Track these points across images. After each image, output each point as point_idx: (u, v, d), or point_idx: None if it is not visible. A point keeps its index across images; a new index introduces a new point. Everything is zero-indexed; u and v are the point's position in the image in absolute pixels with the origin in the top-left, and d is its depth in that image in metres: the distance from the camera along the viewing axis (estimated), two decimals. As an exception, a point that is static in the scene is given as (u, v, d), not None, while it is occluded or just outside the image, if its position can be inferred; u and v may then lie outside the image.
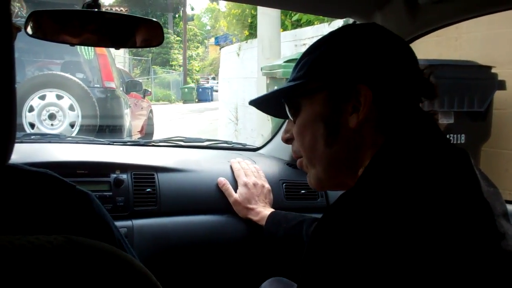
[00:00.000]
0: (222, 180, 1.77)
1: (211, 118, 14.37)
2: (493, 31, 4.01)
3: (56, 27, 1.31)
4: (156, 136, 7.65)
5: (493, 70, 3.68)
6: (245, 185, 1.73)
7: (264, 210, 1.67)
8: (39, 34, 1.29)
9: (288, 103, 1.00)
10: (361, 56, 0.89)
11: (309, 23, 6.88)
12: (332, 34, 0.96)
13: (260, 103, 1.13)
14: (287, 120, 1.07)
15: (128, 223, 1.63)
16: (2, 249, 0.44)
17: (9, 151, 0.52)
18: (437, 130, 0.89)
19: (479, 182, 0.81)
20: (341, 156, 0.92)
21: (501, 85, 3.68)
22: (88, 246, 0.50)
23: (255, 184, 1.73)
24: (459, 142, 3.59)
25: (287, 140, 1.08)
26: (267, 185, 1.78)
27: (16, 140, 1.71)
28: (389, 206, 0.72)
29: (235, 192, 1.74)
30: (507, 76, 3.73)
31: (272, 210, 1.68)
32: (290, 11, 7.49)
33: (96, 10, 1.29)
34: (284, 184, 1.91)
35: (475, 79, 3.62)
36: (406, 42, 0.95)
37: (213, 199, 1.77)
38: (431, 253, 0.69)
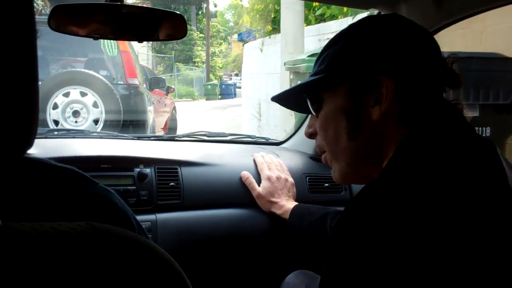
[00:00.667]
0: (246, 173, 1.76)
1: (234, 115, 14.39)
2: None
3: (79, 21, 1.31)
4: (179, 133, 7.69)
5: (521, 62, 3.61)
6: (268, 179, 1.72)
7: (287, 204, 1.66)
8: (62, 28, 1.30)
9: (310, 97, 0.99)
10: (382, 47, 0.88)
11: (333, 17, 6.83)
12: (351, 26, 0.95)
13: (282, 99, 1.12)
14: (310, 115, 1.05)
15: (151, 217, 1.63)
16: (25, 235, 0.44)
17: (30, 140, 0.52)
18: (462, 120, 0.87)
19: (505, 173, 0.78)
20: (364, 149, 0.91)
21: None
22: (111, 233, 0.50)
23: (278, 178, 1.73)
24: (484, 135, 3.53)
25: (310, 135, 1.07)
26: (290, 179, 1.77)
27: (41, 136, 1.73)
28: (413, 198, 0.71)
29: (259, 186, 1.73)
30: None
31: (296, 203, 1.67)
32: (314, 5, 7.45)
33: (119, 3, 1.29)
34: (307, 178, 1.90)
35: (501, 72, 3.56)
36: (427, 32, 0.92)
37: (237, 192, 1.77)
38: (456, 246, 0.67)
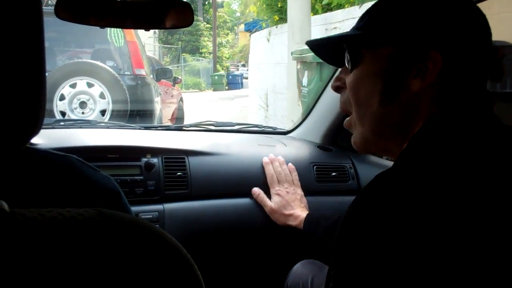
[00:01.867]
0: (256, 190, 1.74)
1: (242, 105, 14.39)
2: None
3: (85, 10, 1.31)
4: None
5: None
6: (278, 194, 1.71)
7: (302, 214, 1.64)
8: (68, 17, 1.30)
9: (349, 51, 0.92)
10: (440, 20, 0.83)
11: (340, 6, 6.78)
12: None
13: (317, 45, 1.04)
14: (340, 69, 1.00)
15: (159, 207, 1.63)
16: (33, 221, 0.44)
17: (37, 127, 0.52)
18: (492, 113, 0.83)
19: None
20: (392, 120, 0.87)
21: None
22: (119, 219, 0.50)
23: (288, 192, 1.72)
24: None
25: (336, 88, 1.01)
26: (299, 191, 1.75)
27: (48, 126, 1.74)
28: (426, 191, 0.69)
29: (269, 196, 1.74)
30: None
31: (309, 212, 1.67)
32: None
33: (125, -8, 1.28)
34: (315, 167, 1.90)
35: (509, 60, 3.53)
36: (484, 15, 0.86)
37: (244, 182, 1.77)
38: (472, 237, 0.65)
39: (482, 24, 0.85)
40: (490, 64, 0.86)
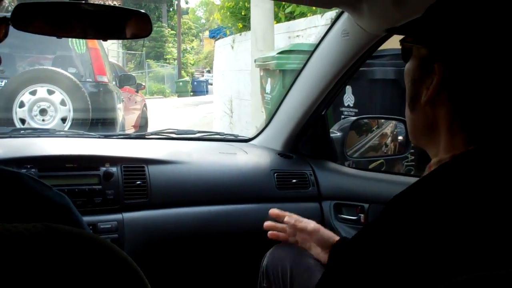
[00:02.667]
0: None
1: (206, 111, 14.33)
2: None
3: (43, 20, 1.30)
4: (150, 130, 7.64)
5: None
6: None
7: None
8: (25, 27, 1.28)
9: (403, 44, 0.92)
10: (456, 31, 0.78)
11: (302, 14, 6.85)
12: None
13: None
14: None
15: (118, 216, 1.63)
16: None
17: None
18: None
19: None
20: (418, 125, 0.89)
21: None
22: (67, 233, 0.49)
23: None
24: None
25: None
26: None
27: (5, 135, 1.71)
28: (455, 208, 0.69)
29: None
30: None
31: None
32: (283, 3, 7.47)
33: (83, 1, 1.28)
34: (275, 174, 1.92)
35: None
36: None
37: (204, 190, 1.77)
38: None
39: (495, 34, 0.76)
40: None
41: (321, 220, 1.85)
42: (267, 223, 1.53)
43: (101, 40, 5.98)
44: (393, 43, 1.70)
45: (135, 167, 1.72)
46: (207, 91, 25.73)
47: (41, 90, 5.35)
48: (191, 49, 35.92)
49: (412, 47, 0.88)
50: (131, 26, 1.39)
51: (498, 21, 0.75)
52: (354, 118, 2.39)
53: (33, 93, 5.34)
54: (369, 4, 1.49)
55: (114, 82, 6.65)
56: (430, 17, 0.83)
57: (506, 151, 0.75)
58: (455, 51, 0.77)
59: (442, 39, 0.79)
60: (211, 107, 12.61)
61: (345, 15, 1.70)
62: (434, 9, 0.83)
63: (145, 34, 1.43)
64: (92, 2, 1.30)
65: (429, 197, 0.73)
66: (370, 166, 3.11)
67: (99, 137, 2.05)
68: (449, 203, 0.70)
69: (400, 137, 2.72)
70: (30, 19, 1.29)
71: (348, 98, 3.94)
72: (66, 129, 4.96)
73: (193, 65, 34.82)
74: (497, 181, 0.71)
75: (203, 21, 42.41)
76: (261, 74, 5.26)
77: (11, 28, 1.18)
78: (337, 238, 1.44)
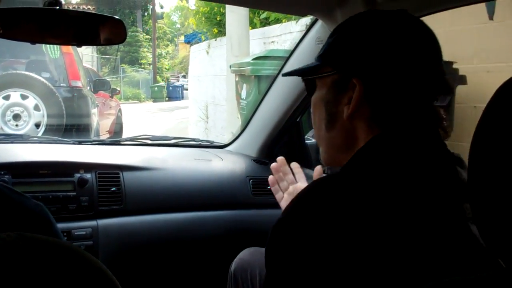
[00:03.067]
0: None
1: (182, 117, 14.28)
2: (454, 28, 4.09)
3: (16, 25, 1.29)
4: (125, 136, 7.57)
5: (454, 66, 3.75)
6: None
7: None
8: (-2, 32, 1.27)
9: (305, 81, 1.02)
10: (364, 48, 0.87)
11: (277, 21, 6.88)
12: (352, 18, 0.95)
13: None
14: None
15: (93, 223, 1.62)
16: None
17: None
18: (435, 132, 0.88)
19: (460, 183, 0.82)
20: (337, 142, 0.94)
21: (462, 80, 3.77)
22: (41, 241, 0.50)
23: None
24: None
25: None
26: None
27: (-22, 142, 1.67)
28: (358, 198, 0.74)
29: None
30: (468, 71, 3.83)
31: None
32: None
33: (57, 7, 1.27)
34: (251, 181, 1.92)
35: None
36: (432, 35, 0.90)
37: (179, 197, 1.77)
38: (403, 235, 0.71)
39: (427, 45, 0.88)
40: (432, 82, 0.87)
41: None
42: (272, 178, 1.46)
43: (75, 45, 5.93)
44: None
45: (109, 174, 1.71)
46: (182, 96, 25.63)
47: (15, 95, 5.29)
48: (166, 54, 35.75)
49: (315, 80, 0.97)
50: (105, 32, 1.39)
51: (393, 37, 0.86)
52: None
53: (7, 98, 5.27)
54: (342, 12, 1.51)
55: (88, 87, 6.60)
56: (335, 48, 0.92)
57: (405, 139, 0.84)
58: (370, 66, 0.86)
59: (355, 60, 0.88)
60: (187, 112, 12.56)
61: (319, 22, 1.72)
62: (337, 40, 0.92)
63: (120, 41, 1.43)
64: (65, 8, 1.30)
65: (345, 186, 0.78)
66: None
67: (73, 143, 2.04)
68: (360, 189, 0.76)
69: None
70: (2, 25, 1.28)
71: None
72: (39, 134, 4.91)
73: (168, 70, 34.65)
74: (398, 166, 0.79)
75: (178, 26, 42.25)
76: (237, 79, 5.26)
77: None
78: None
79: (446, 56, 0.91)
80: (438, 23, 4.32)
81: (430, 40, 0.89)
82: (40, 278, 0.46)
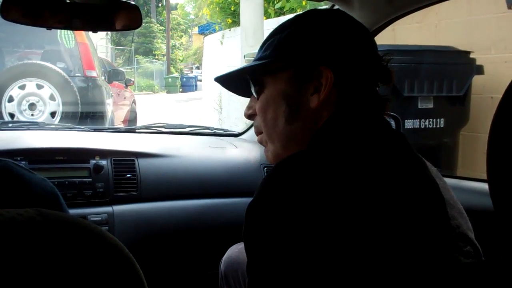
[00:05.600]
0: None
1: (195, 108, 14.32)
2: (471, 17, 4.04)
3: (32, 10, 1.29)
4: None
5: (471, 55, 3.72)
6: None
7: None
8: (14, 18, 1.28)
9: (253, 80, 1.01)
10: (325, 39, 0.92)
11: (292, 10, 6.86)
12: (298, 16, 0.98)
13: (225, 80, 1.12)
14: (250, 98, 1.07)
15: (108, 209, 1.63)
16: None
17: None
18: (379, 114, 0.93)
19: (418, 159, 0.87)
20: (299, 133, 0.94)
21: (479, 70, 3.72)
22: (59, 218, 0.50)
23: None
24: (438, 126, 3.62)
25: (249, 116, 1.08)
26: None
27: (-6, 128, 1.68)
28: (323, 177, 0.75)
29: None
30: (485, 61, 3.78)
31: None
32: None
33: (73, -7, 1.27)
34: (265, 169, 1.92)
35: (454, 64, 3.66)
36: (366, 29, 0.98)
37: (194, 184, 1.78)
38: (367, 217, 0.72)
39: (365, 37, 0.96)
40: (377, 71, 0.95)
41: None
42: None
43: (90, 35, 5.95)
44: (384, 39, 1.71)
45: (125, 160, 1.72)
46: (196, 87, 25.68)
47: (30, 85, 5.32)
48: (180, 45, 35.81)
49: (262, 78, 0.98)
50: (121, 18, 1.39)
51: (345, 29, 0.94)
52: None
53: (22, 87, 5.31)
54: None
55: (103, 77, 6.62)
56: (293, 41, 0.95)
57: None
58: (335, 54, 0.91)
59: (320, 49, 0.92)
60: (200, 103, 12.59)
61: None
62: (292, 35, 0.95)
63: (136, 26, 1.43)
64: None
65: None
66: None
67: (89, 131, 2.05)
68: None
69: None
70: (19, 10, 1.29)
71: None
72: (55, 123, 4.94)
73: (182, 61, 34.72)
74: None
75: (192, 16, 42.23)
76: (251, 69, 5.24)
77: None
78: None
79: (463, 46, 0.92)
80: (456, 12, 4.30)
81: (367, 32, 0.98)
82: (58, 254, 0.46)
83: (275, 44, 0.96)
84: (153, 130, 2.21)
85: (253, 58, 1.04)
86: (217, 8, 9.57)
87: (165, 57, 29.94)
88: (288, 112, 0.94)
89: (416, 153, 0.88)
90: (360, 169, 0.77)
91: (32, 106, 5.33)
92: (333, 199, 0.72)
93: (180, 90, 25.98)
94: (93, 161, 1.67)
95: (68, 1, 1.28)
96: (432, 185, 0.84)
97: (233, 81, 1.12)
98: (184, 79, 27.42)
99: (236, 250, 1.56)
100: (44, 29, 1.37)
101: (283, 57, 0.95)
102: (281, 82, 0.95)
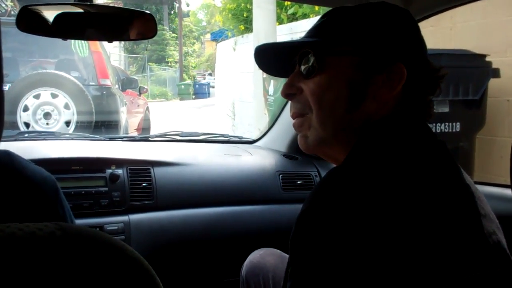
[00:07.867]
0: None
1: (209, 114, 14.36)
2: (487, 20, 4.01)
3: (48, 22, 1.30)
4: (153, 133, 7.62)
5: (487, 59, 3.68)
6: None
7: None
8: (30, 29, 1.28)
9: (316, 56, 0.92)
10: (403, 35, 0.90)
11: (305, 16, 6.87)
12: (366, 4, 0.93)
13: (266, 52, 1.05)
14: (291, 76, 0.98)
15: (124, 218, 1.63)
16: None
17: None
18: (427, 124, 0.91)
19: (458, 169, 0.85)
20: (355, 124, 0.89)
21: (495, 73, 3.68)
22: (79, 233, 0.49)
23: None
24: (454, 130, 3.59)
25: (287, 95, 0.99)
26: None
27: (10, 139, 1.71)
28: (376, 188, 0.73)
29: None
30: (501, 64, 3.74)
31: None
32: (286, 4, 7.48)
33: (88, 3, 1.28)
34: (280, 176, 1.91)
35: (470, 68, 3.62)
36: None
37: (210, 192, 1.77)
38: (416, 232, 0.70)
39: (423, 41, 0.94)
40: (431, 79, 0.93)
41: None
42: None
43: (103, 44, 5.99)
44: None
45: (140, 169, 1.72)
46: (209, 94, 25.75)
47: (45, 94, 5.36)
48: (193, 52, 35.95)
49: (324, 57, 0.91)
50: (136, 27, 1.39)
51: (417, 29, 0.94)
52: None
53: (37, 96, 5.35)
54: (375, 3, 1.49)
55: (117, 86, 6.66)
56: (366, 27, 0.91)
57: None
58: (411, 54, 0.90)
59: (400, 46, 0.90)
60: (213, 110, 12.62)
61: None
62: (365, 23, 0.91)
63: (151, 35, 1.43)
64: (95, 4, 1.30)
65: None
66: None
67: (104, 140, 2.06)
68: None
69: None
70: (35, 21, 1.30)
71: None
72: (70, 132, 4.97)
73: (194, 68, 34.85)
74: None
75: (204, 23, 42.42)
76: (264, 76, 5.27)
77: (14, 32, 1.19)
78: None
79: (479, 49, 0.92)
80: (471, 15, 4.26)
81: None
82: (78, 269, 0.46)
83: (345, 25, 0.91)
84: (168, 138, 2.21)
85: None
86: (230, 15, 9.61)
87: (178, 64, 30.07)
88: (351, 99, 0.88)
89: (456, 163, 0.86)
90: (412, 182, 0.75)
91: (47, 115, 5.37)
92: (385, 211, 0.70)
93: (193, 97, 26.06)
94: (109, 171, 1.67)
95: (83, 12, 1.28)
96: (471, 198, 0.81)
97: (274, 55, 1.04)
98: (197, 86, 27.50)
99: (258, 255, 1.54)
100: (59, 38, 1.38)
101: (353, 42, 0.90)
102: (346, 66, 0.89)
